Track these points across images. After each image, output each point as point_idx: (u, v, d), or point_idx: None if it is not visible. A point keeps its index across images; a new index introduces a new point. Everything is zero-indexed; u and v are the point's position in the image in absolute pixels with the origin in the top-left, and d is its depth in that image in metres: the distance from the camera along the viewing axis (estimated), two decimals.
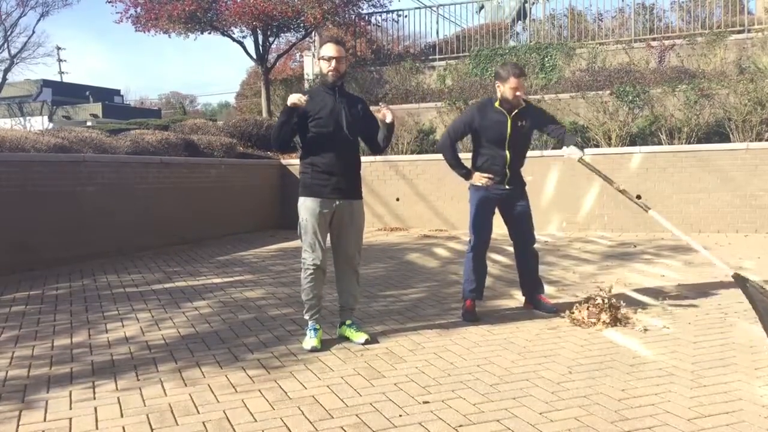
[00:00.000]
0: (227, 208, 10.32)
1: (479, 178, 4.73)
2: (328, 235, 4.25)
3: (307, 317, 4.26)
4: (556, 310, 4.88)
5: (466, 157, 4.94)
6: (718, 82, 10.40)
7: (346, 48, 4.45)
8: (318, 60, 4.37)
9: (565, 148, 4.72)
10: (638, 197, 9.58)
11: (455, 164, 4.84)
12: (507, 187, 4.76)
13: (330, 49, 4.14)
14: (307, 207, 4.14)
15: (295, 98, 4.00)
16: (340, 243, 4.26)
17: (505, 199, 4.82)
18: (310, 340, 4.13)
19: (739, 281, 3.89)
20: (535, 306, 4.99)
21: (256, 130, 12.54)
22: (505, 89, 4.62)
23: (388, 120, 4.19)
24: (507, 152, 4.69)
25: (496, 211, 4.90)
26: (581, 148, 4.75)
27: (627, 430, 2.84)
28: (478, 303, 4.95)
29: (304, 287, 4.21)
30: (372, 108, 4.31)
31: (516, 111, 4.67)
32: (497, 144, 4.70)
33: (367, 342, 4.19)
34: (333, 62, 4.12)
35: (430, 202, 10.94)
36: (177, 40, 24.41)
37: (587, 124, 10.59)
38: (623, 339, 4.21)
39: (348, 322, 4.34)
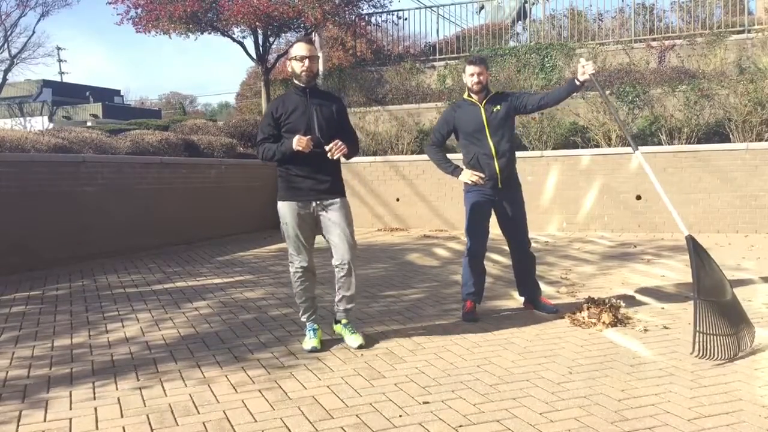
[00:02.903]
0: (227, 208, 10.33)
1: (469, 176, 4.69)
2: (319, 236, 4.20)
3: (303, 319, 4.25)
4: (557, 311, 4.87)
5: (457, 158, 4.92)
6: (718, 82, 10.40)
7: (320, 48, 4.32)
8: (289, 60, 4.15)
9: (581, 60, 4.52)
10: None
11: (441, 163, 4.87)
12: (500, 186, 4.71)
13: (301, 49, 4.03)
14: (285, 211, 4.08)
15: (303, 143, 3.85)
16: (331, 242, 4.12)
17: (500, 202, 4.77)
18: (309, 341, 4.13)
19: (688, 242, 3.97)
20: (536, 307, 4.98)
21: (256, 131, 12.54)
22: (465, 78, 4.78)
23: (335, 158, 3.97)
24: (490, 142, 4.67)
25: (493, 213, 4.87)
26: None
27: (627, 430, 2.84)
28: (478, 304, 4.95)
29: (296, 290, 4.19)
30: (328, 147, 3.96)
31: (486, 98, 4.74)
32: (478, 135, 4.70)
33: (360, 347, 4.10)
34: (306, 62, 4.01)
35: (430, 203, 10.95)
36: (177, 40, 24.41)
37: (587, 124, 10.60)
38: (623, 339, 4.21)
39: (344, 321, 4.27)
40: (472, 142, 4.73)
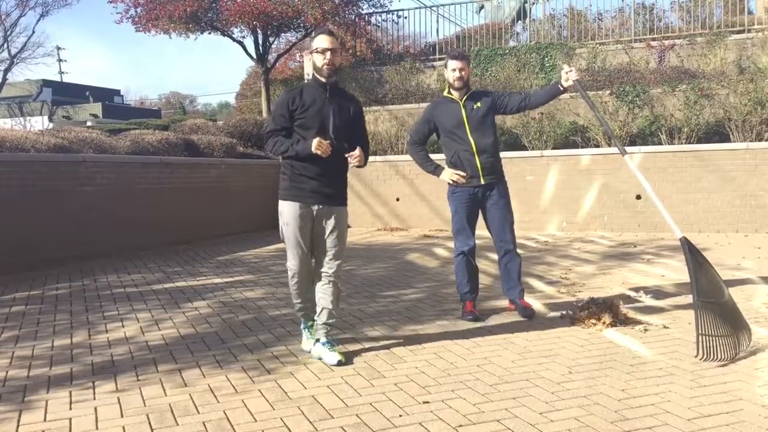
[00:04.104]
0: (227, 208, 10.33)
1: (450, 175, 4.69)
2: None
3: (303, 318, 4.23)
4: (532, 316, 4.77)
5: (440, 158, 4.90)
6: (718, 82, 10.40)
7: (339, 41, 4.24)
8: (310, 53, 4.00)
9: (564, 67, 4.54)
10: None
11: (423, 163, 4.86)
12: (483, 182, 4.68)
13: (324, 41, 3.84)
14: (285, 211, 3.87)
15: (323, 147, 3.70)
16: (319, 251, 3.93)
17: (484, 197, 4.73)
18: (308, 341, 4.12)
19: (683, 244, 3.98)
20: (516, 307, 4.87)
21: (256, 130, 12.56)
22: (447, 74, 4.77)
23: (355, 166, 3.88)
24: (470, 139, 4.66)
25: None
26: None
27: (627, 430, 2.84)
28: (478, 303, 4.94)
29: (293, 292, 4.05)
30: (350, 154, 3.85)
31: (466, 95, 4.73)
32: (458, 132, 4.69)
33: (339, 363, 3.79)
34: (328, 54, 3.81)
35: (430, 202, 10.95)
36: (177, 40, 24.38)
37: (587, 124, 10.60)
38: (623, 339, 4.21)
39: (322, 340, 3.93)
40: (453, 139, 4.72)
